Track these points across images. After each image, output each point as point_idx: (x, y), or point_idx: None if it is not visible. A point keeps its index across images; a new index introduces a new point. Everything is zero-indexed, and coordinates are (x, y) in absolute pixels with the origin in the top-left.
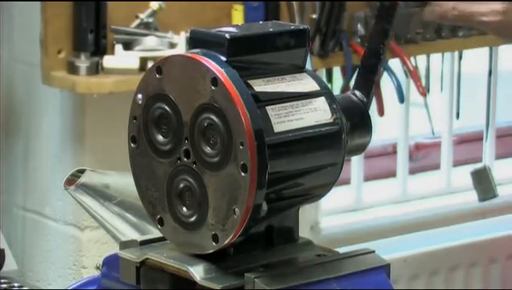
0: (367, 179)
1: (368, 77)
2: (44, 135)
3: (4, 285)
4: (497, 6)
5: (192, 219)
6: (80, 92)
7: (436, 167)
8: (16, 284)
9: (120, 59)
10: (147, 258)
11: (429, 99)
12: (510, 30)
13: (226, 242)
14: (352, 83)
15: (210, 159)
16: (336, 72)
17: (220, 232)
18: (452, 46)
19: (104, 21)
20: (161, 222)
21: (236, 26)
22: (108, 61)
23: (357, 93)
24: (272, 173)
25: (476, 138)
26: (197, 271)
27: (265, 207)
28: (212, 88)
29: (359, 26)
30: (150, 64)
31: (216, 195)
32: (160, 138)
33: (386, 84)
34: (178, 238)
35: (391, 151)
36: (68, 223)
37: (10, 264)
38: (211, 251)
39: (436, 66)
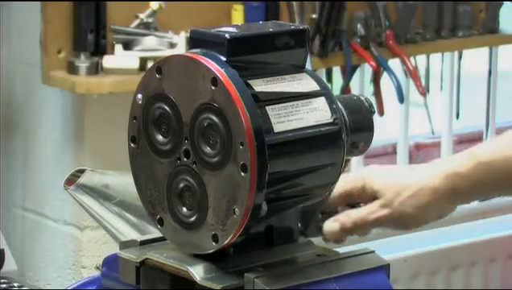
0: None
1: None
2: (44, 135)
3: (4, 285)
4: (382, 210)
5: (192, 219)
6: (80, 92)
7: None
8: (16, 284)
9: (120, 59)
10: (147, 258)
11: (429, 99)
12: (398, 223)
13: (226, 242)
14: (352, 83)
15: (210, 159)
16: (336, 72)
17: (220, 232)
18: (451, 46)
19: (104, 21)
20: (161, 222)
21: (236, 26)
22: (108, 61)
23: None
24: (272, 173)
25: (476, 138)
26: (197, 271)
27: (265, 207)
28: (212, 88)
29: (359, 26)
30: (150, 64)
31: (216, 195)
32: (160, 138)
33: (386, 84)
34: (178, 238)
35: (391, 151)
36: (68, 223)
37: (10, 264)
38: (211, 251)
39: (436, 66)
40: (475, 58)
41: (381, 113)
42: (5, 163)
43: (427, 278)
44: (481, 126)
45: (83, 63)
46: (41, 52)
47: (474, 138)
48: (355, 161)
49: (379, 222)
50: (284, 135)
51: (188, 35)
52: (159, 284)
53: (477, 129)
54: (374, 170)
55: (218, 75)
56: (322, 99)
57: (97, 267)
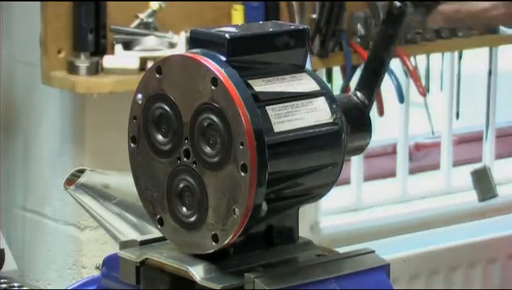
0: (367, 179)
1: (370, 80)
2: (44, 135)
3: (4, 285)
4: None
5: (192, 219)
6: (80, 92)
7: (436, 167)
8: (16, 284)
9: (120, 59)
10: (147, 258)
11: (429, 99)
12: None
13: (226, 241)
14: (352, 83)
15: (210, 159)
16: (336, 72)
17: (220, 232)
18: (451, 46)
19: (104, 21)
20: (161, 222)
21: (236, 26)
22: (108, 61)
23: (359, 94)
24: (272, 173)
25: (476, 138)
26: (197, 271)
27: (265, 207)
28: (212, 88)
29: (359, 26)
30: (150, 64)
31: (216, 195)
32: (160, 138)
33: (386, 84)
34: (178, 238)
35: (391, 151)
36: (68, 223)
37: (10, 264)
38: (211, 251)
39: (436, 66)
40: (475, 58)
41: (382, 113)
42: (5, 163)
43: (426, 278)
44: (481, 126)
45: (83, 63)
46: (41, 52)
47: (474, 138)
48: (355, 161)
49: (489, 20)
50: (284, 135)
51: (188, 35)
52: (159, 284)
53: (477, 129)
54: None
55: (218, 75)
56: (322, 99)
57: (97, 267)
